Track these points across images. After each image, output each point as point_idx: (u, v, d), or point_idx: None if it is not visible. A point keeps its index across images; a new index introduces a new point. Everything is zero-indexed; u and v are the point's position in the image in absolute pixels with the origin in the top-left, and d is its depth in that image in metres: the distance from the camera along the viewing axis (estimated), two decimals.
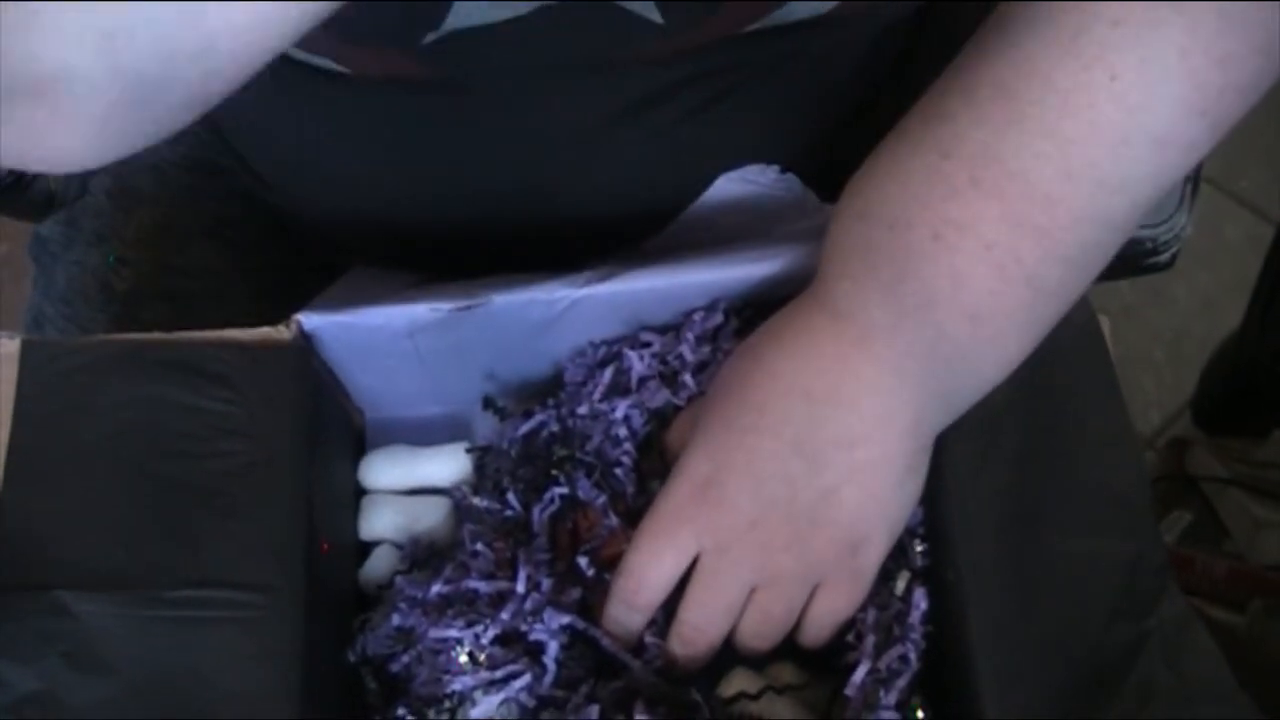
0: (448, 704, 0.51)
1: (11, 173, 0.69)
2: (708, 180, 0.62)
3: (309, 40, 0.54)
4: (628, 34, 0.53)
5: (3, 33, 0.34)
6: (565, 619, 0.51)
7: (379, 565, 0.57)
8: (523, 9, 0.51)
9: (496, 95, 0.57)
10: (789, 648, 0.52)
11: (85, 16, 0.34)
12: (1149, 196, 0.47)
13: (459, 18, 0.51)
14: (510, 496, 0.56)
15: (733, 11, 0.53)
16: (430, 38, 0.52)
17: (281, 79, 0.58)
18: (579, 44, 0.54)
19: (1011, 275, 0.46)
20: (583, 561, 0.53)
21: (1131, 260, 0.70)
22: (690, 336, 0.56)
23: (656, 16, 0.52)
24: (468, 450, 0.58)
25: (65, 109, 0.37)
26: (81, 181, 0.73)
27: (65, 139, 0.38)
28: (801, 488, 0.49)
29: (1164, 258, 0.72)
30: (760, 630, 0.51)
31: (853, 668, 0.50)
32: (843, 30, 0.58)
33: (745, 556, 0.50)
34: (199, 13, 0.35)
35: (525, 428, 0.57)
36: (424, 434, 0.60)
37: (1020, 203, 0.46)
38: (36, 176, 0.70)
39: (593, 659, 0.53)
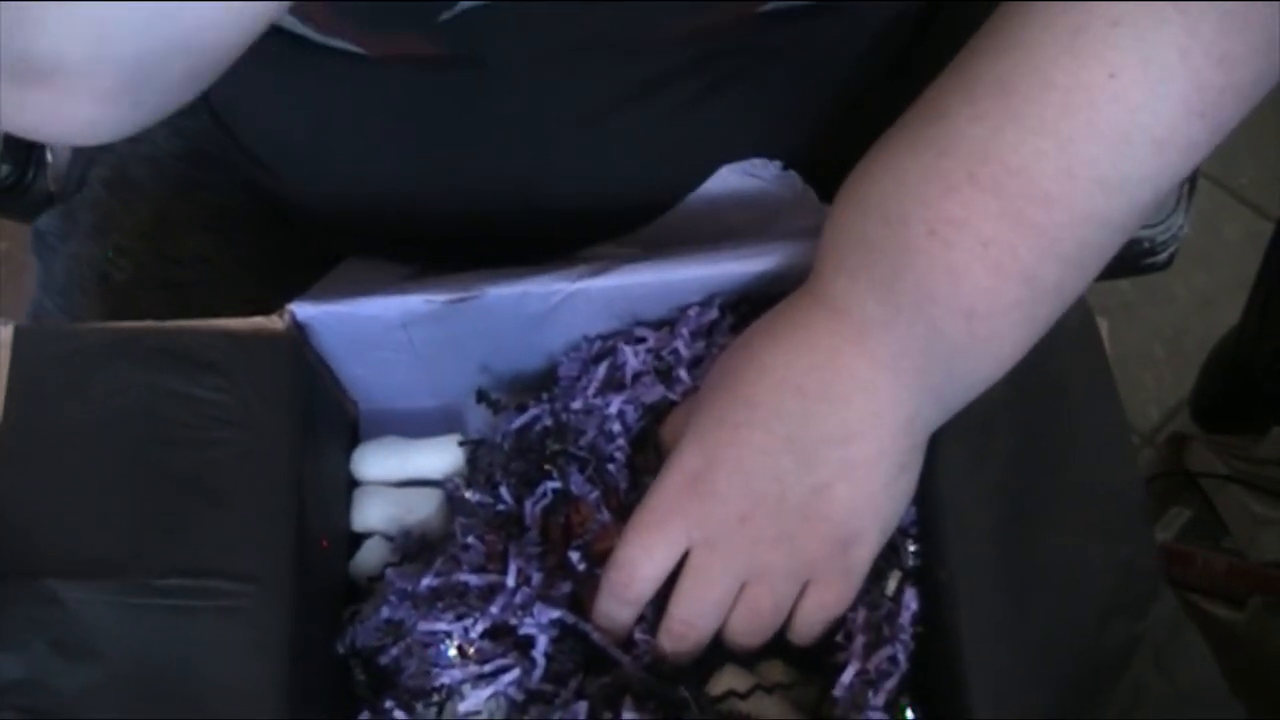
0: (436, 697, 0.51)
1: (12, 173, 0.69)
2: (708, 169, 0.62)
3: (328, 26, 0.54)
4: (646, 10, 0.53)
5: (0, 28, 0.37)
6: (555, 614, 0.51)
7: (370, 557, 0.57)
8: None
9: (508, 73, 0.57)
10: (780, 646, 0.52)
11: (72, 16, 0.38)
12: (1148, 197, 0.47)
13: None
14: (502, 490, 0.56)
15: None
16: (445, 15, 0.52)
17: (296, 60, 0.58)
18: (598, 20, 0.54)
19: (1008, 273, 0.46)
20: (574, 555, 0.53)
21: (1129, 260, 0.70)
22: (685, 332, 0.56)
23: None
24: (460, 443, 0.58)
25: (66, 93, 0.40)
26: (80, 176, 0.73)
27: (74, 117, 0.42)
28: (793, 484, 0.49)
29: (1161, 258, 0.71)
30: (749, 626, 0.51)
31: (842, 667, 0.50)
32: (848, 19, 0.58)
33: (735, 551, 0.50)
34: (175, 10, 0.38)
35: (518, 421, 0.57)
36: (417, 426, 0.60)
37: (1018, 200, 0.45)
38: (36, 178, 0.71)
39: (582, 653, 0.53)
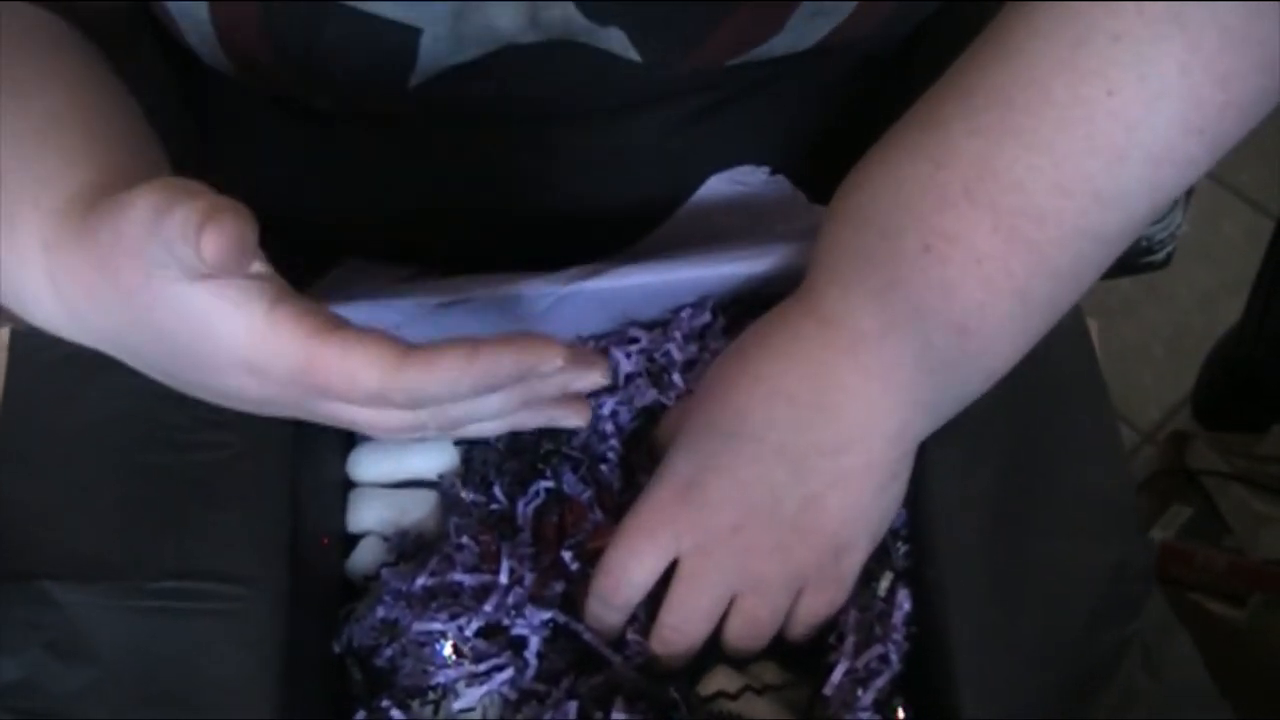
0: (432, 696, 0.51)
1: None
2: (701, 183, 0.62)
3: (314, 93, 0.55)
4: (605, 70, 0.53)
5: None
6: (547, 615, 0.51)
7: (365, 557, 0.57)
8: (488, 48, 0.51)
9: (489, 119, 0.57)
10: (773, 648, 0.52)
11: None
12: (1144, 213, 0.47)
13: (428, 59, 0.51)
14: (496, 490, 0.56)
15: (712, 49, 0.53)
16: (414, 82, 0.52)
17: (278, 116, 0.58)
18: (560, 78, 0.54)
19: (1001, 288, 0.46)
20: (567, 555, 0.53)
21: (1127, 259, 0.70)
22: (678, 335, 0.56)
23: (634, 55, 0.52)
24: (455, 443, 0.58)
25: None
26: None
27: None
28: (785, 494, 0.49)
29: (1159, 256, 0.72)
30: (747, 634, 0.51)
31: (834, 667, 0.50)
32: (828, 57, 0.58)
33: (727, 561, 0.50)
34: None
35: None
36: None
37: (1012, 216, 0.45)
38: None
39: (574, 651, 0.53)
